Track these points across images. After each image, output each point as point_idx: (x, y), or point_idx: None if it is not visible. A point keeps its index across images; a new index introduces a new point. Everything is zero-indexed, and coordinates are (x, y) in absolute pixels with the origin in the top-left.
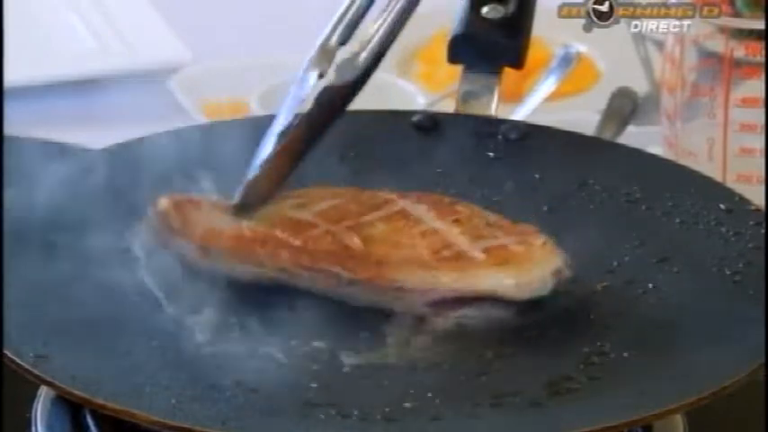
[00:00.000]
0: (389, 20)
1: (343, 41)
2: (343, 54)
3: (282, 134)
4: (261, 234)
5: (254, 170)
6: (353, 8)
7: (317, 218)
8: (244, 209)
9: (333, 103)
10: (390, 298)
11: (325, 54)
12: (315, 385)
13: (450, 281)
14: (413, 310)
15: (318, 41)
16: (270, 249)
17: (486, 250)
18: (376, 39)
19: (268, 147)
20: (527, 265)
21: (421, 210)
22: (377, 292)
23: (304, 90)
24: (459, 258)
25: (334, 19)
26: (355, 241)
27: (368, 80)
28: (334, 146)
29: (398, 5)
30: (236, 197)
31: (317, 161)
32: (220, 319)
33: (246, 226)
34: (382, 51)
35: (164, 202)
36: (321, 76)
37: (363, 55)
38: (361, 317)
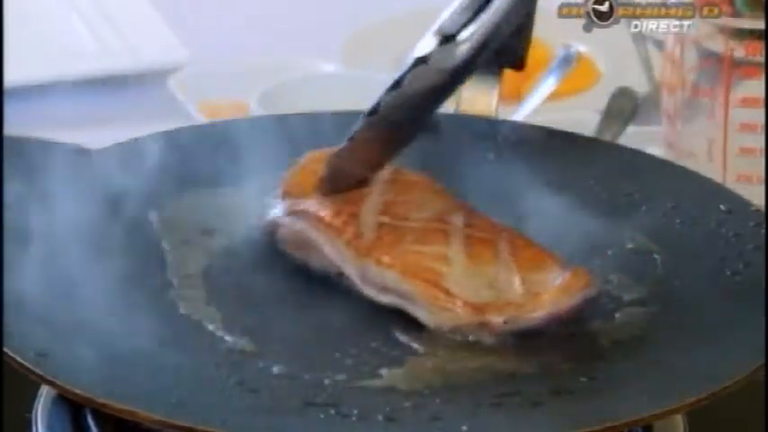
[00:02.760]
0: (496, 12)
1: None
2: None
3: (370, 113)
4: None
5: (338, 148)
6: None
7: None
8: (329, 185)
9: (426, 86)
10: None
11: (435, 39)
12: (315, 385)
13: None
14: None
15: (433, 27)
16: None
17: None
18: (480, 30)
19: (356, 125)
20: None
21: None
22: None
23: (401, 70)
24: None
25: (453, 6)
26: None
27: (468, 72)
28: (334, 146)
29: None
30: (323, 171)
31: None
32: (221, 319)
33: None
34: (486, 44)
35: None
36: (423, 60)
37: (465, 45)
38: (361, 317)
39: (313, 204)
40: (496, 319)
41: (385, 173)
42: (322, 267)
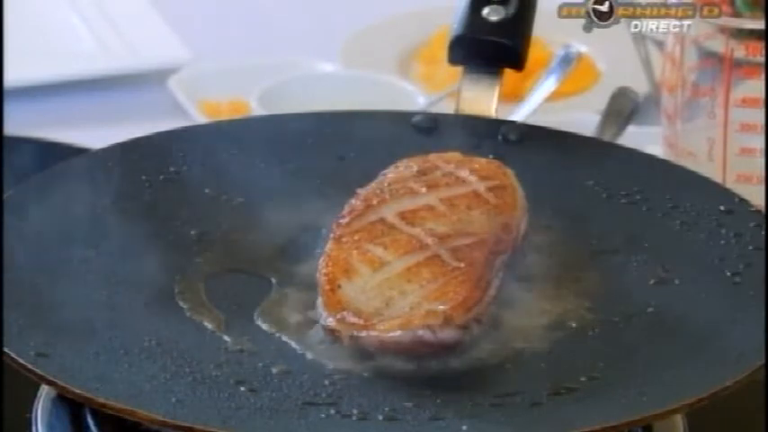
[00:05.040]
0: None
1: None
2: None
3: None
4: None
5: None
6: None
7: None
8: None
9: None
10: None
11: None
12: (315, 385)
13: None
14: None
15: None
16: None
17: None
18: None
19: None
20: None
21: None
22: None
23: None
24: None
25: None
26: None
27: None
28: (334, 146)
29: None
30: None
31: (317, 161)
32: (221, 320)
33: None
34: None
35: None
36: None
37: None
38: None
39: (368, 186)
40: (345, 332)
41: (490, 194)
42: None
